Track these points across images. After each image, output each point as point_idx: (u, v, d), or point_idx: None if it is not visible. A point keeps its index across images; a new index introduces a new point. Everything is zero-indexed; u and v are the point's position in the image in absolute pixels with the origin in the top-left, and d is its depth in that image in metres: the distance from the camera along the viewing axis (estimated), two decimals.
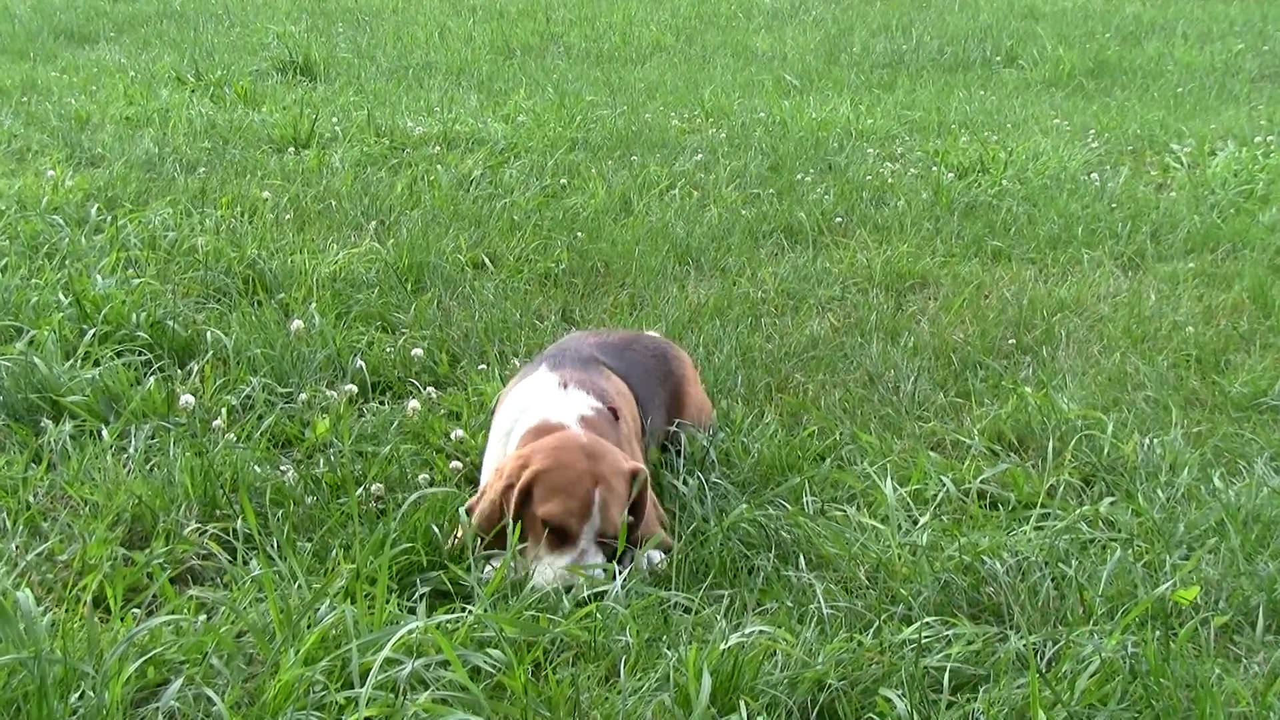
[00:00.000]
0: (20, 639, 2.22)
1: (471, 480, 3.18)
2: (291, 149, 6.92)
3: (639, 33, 12.38)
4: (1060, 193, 6.29)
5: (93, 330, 3.87)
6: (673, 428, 3.36)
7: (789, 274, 5.03)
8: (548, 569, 2.65)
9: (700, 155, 6.99)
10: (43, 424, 3.35)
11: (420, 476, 3.16)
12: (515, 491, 2.70)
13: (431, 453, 3.34)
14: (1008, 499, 3.17)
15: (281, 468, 3.16)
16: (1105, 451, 3.37)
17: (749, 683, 2.30)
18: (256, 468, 3.10)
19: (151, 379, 3.59)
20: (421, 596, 2.55)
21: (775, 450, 3.33)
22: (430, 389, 3.71)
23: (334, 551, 2.71)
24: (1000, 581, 2.67)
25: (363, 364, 3.81)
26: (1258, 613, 2.62)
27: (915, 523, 2.98)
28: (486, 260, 5.05)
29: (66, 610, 2.49)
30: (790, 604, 2.62)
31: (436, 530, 2.75)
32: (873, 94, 9.33)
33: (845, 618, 2.58)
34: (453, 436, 3.39)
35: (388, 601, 2.44)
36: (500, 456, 2.94)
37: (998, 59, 11.04)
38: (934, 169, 6.76)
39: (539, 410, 2.95)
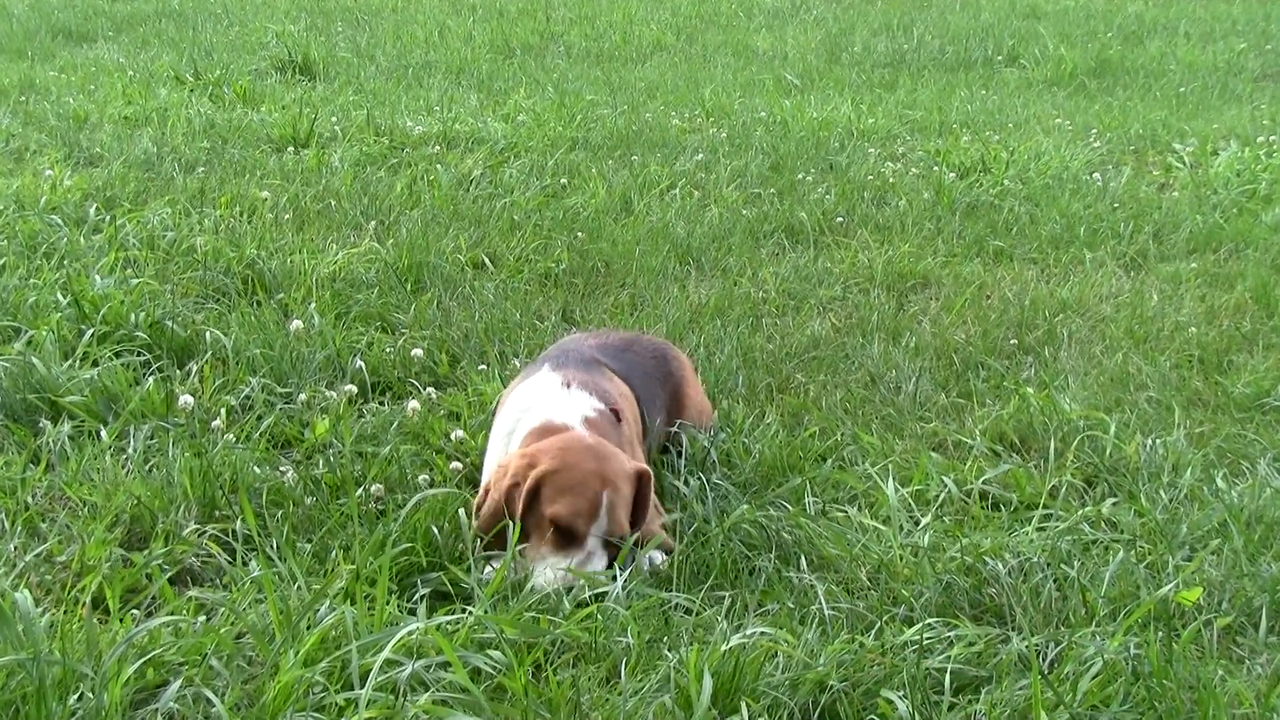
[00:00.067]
0: (19, 640, 2.21)
1: (472, 481, 3.17)
2: (291, 148, 6.91)
3: (639, 32, 12.38)
4: (1062, 192, 6.28)
5: (91, 330, 3.86)
6: (673, 429, 3.35)
7: (790, 274, 5.02)
8: (551, 569, 2.64)
9: (701, 155, 6.98)
10: (41, 424, 3.34)
11: (420, 477, 3.15)
12: (522, 490, 2.69)
13: (431, 453, 3.33)
14: (1010, 500, 3.16)
15: (281, 468, 3.16)
16: (1107, 452, 3.36)
17: (750, 684, 2.29)
18: (256, 468, 3.09)
19: (150, 379, 3.58)
20: (421, 597, 2.55)
21: (776, 451, 3.32)
22: (430, 389, 3.70)
23: (334, 552, 2.70)
24: (1002, 582, 2.66)
25: (362, 364, 3.80)
26: (1261, 614, 2.62)
27: (917, 524, 2.98)
28: (486, 260, 5.05)
29: (65, 611, 2.48)
30: (791, 605, 2.61)
31: (436, 531, 2.75)
32: (874, 93, 9.32)
33: (847, 619, 2.57)
34: (453, 437, 3.39)
35: (388, 603, 2.44)
36: (502, 456, 2.93)
37: (999, 58, 11.03)
38: (935, 169, 6.75)
39: (542, 411, 2.95)
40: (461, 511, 2.82)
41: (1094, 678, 2.31)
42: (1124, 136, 7.74)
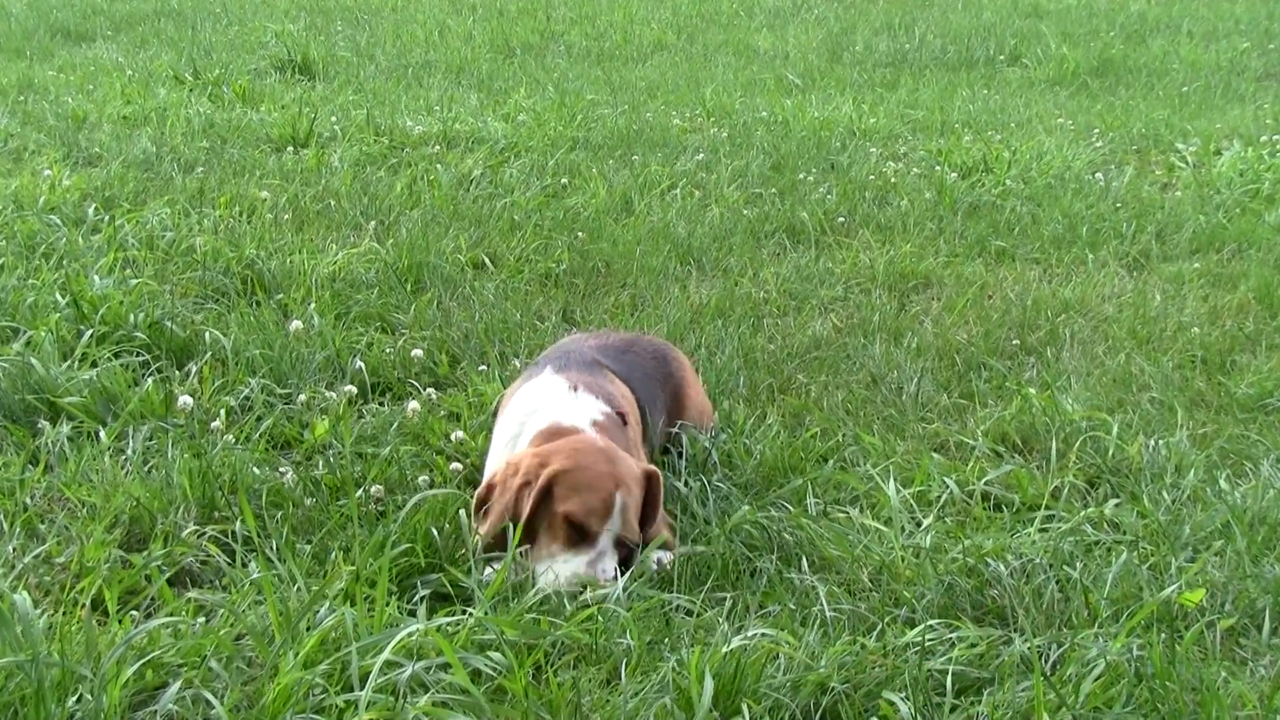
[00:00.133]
0: (17, 642, 2.21)
1: (472, 482, 3.16)
2: (290, 148, 6.90)
3: (640, 31, 12.37)
4: (1064, 192, 6.27)
5: (90, 331, 3.86)
6: (674, 429, 3.34)
7: (791, 274, 5.01)
8: (564, 567, 2.64)
9: (702, 155, 6.98)
10: (40, 425, 3.33)
11: (420, 478, 3.14)
12: (534, 489, 2.68)
13: (431, 454, 3.32)
14: (1012, 501, 3.16)
15: (280, 469, 3.15)
16: (1110, 453, 3.36)
17: (751, 686, 2.28)
18: (255, 469, 3.08)
19: (149, 380, 3.58)
20: (422, 599, 2.54)
21: (778, 452, 3.32)
22: (430, 390, 3.70)
23: (333, 553, 2.69)
24: (1004, 584, 2.66)
25: (362, 365, 3.80)
26: (1264, 615, 2.61)
27: (919, 525, 2.97)
28: (486, 260, 5.04)
29: (64, 613, 2.48)
30: (793, 606, 2.61)
31: (436, 533, 2.74)
32: (875, 93, 9.31)
33: (848, 620, 2.57)
34: (453, 438, 3.38)
35: (388, 604, 2.43)
36: (507, 458, 2.91)
37: (1001, 58, 11.01)
38: (937, 168, 6.75)
39: (549, 413, 2.94)
40: (462, 512, 2.81)
41: (1096, 679, 2.30)
42: (1126, 136, 7.73)
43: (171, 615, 2.43)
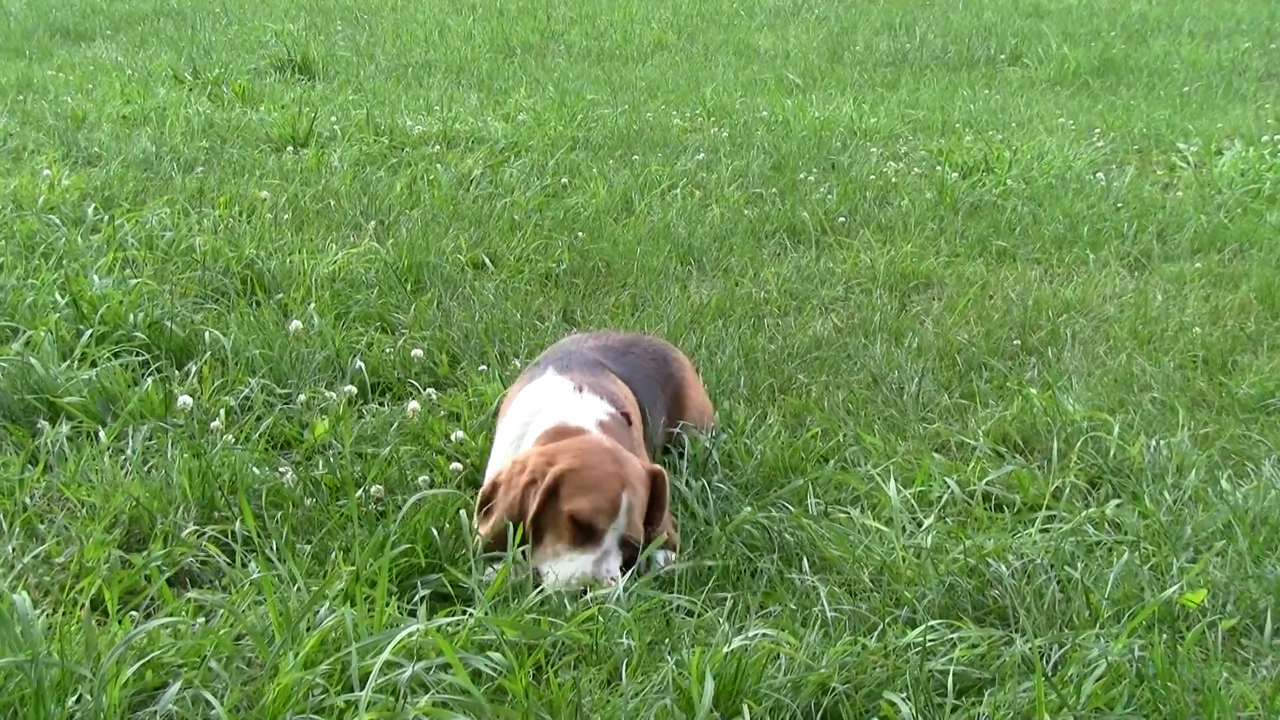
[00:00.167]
0: (17, 642, 2.20)
1: (473, 483, 3.16)
2: (290, 148, 6.90)
3: (640, 31, 12.37)
4: (1065, 192, 6.27)
5: (90, 331, 3.85)
6: (675, 430, 3.34)
7: (792, 274, 5.01)
8: (569, 566, 2.63)
9: (702, 154, 6.97)
10: (39, 425, 3.32)
11: (420, 478, 3.14)
12: (540, 487, 2.68)
13: (431, 454, 3.32)
14: (1013, 501, 3.15)
15: (280, 469, 3.14)
16: (1111, 453, 3.35)
17: (752, 686, 2.28)
18: (255, 469, 3.08)
19: (149, 380, 3.57)
20: (422, 599, 2.53)
21: (778, 452, 3.31)
22: (430, 390, 3.69)
23: (333, 554, 2.69)
24: (1005, 584, 2.65)
25: (362, 365, 3.79)
26: (1266, 616, 2.60)
27: (920, 525, 2.96)
28: (487, 260, 5.03)
29: (63, 613, 2.47)
30: (794, 607, 2.60)
31: (436, 533, 2.73)
32: (876, 92, 9.31)
33: (849, 621, 2.56)
34: (453, 438, 3.37)
35: (388, 604, 2.42)
36: (510, 458, 2.90)
37: (1002, 57, 11.01)
38: (938, 168, 6.74)
39: (554, 413, 2.93)
40: (463, 513, 2.80)
41: (1098, 680, 2.30)
42: (1127, 136, 7.73)
43: (171, 615, 2.42)
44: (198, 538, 2.79)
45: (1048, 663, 2.43)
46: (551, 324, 4.34)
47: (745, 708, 2.22)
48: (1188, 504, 3.09)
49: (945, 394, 3.86)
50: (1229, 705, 2.24)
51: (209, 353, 3.85)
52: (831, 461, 3.33)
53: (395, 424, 3.44)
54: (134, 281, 4.34)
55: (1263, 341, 4.34)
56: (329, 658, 2.26)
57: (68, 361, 3.69)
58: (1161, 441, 3.41)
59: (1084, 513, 3.00)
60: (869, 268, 5.10)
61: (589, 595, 2.57)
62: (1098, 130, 7.83)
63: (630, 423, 3.01)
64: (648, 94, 9.08)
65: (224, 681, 2.23)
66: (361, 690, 2.15)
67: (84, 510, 2.92)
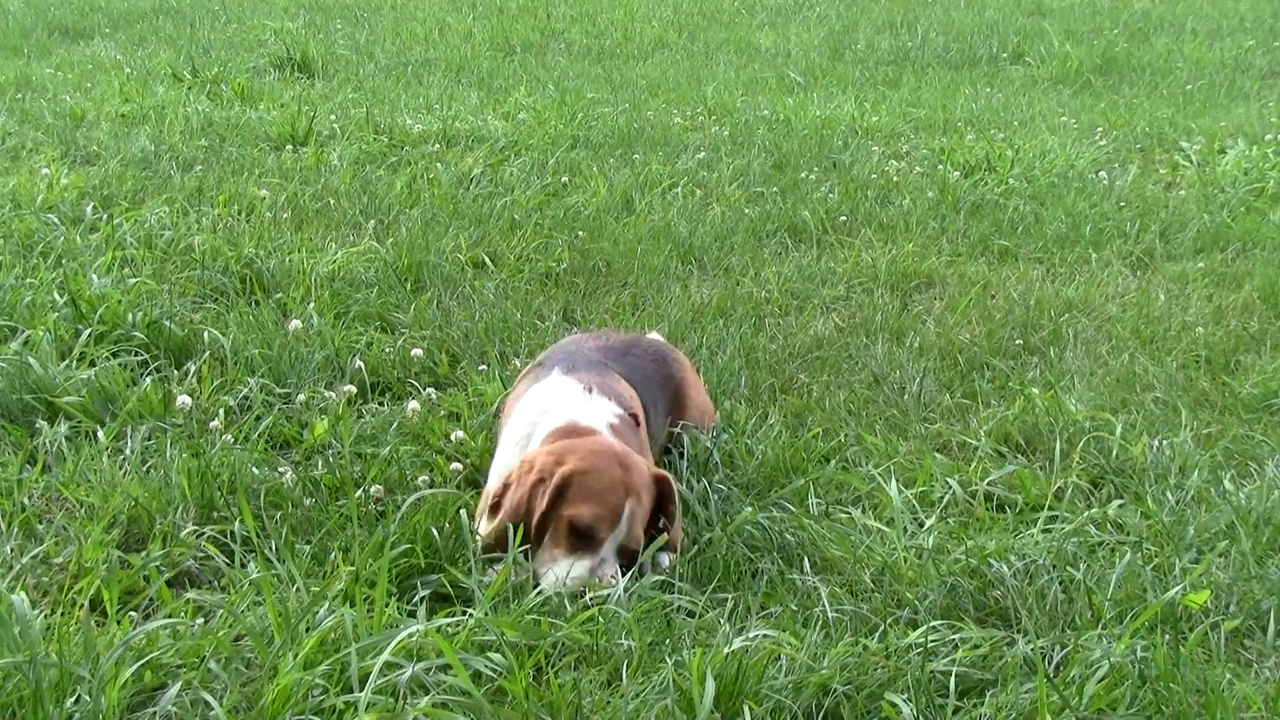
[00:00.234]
0: (15, 643, 2.20)
1: (472, 483, 3.15)
2: (289, 147, 6.89)
3: (641, 29, 12.35)
4: (1068, 191, 6.26)
5: (88, 330, 3.84)
6: (676, 430, 3.33)
7: (793, 273, 5.00)
8: (564, 570, 2.62)
9: (703, 153, 6.96)
10: (38, 425, 3.32)
11: (420, 478, 3.13)
12: (548, 487, 2.66)
13: (431, 454, 3.31)
14: (1015, 501, 3.14)
15: (280, 469, 3.13)
16: (1114, 453, 3.34)
17: (753, 687, 2.27)
18: (254, 469, 3.07)
19: (148, 379, 3.56)
20: (421, 599, 2.53)
21: (779, 452, 3.30)
22: (430, 390, 3.68)
23: (333, 554, 2.68)
24: (1007, 585, 2.64)
25: (361, 364, 3.78)
26: (1269, 617, 2.60)
27: (921, 525, 2.96)
28: (487, 259, 5.02)
29: (62, 614, 2.47)
30: (795, 607, 2.60)
31: (436, 533, 2.72)
32: (877, 91, 9.29)
33: (850, 621, 2.55)
34: (453, 438, 3.36)
35: (387, 605, 2.42)
36: (516, 460, 2.88)
37: (1004, 56, 11.00)
38: (940, 167, 6.73)
39: (563, 413, 2.91)
40: (463, 513, 2.79)
41: (1100, 681, 2.29)
42: (1130, 135, 7.72)
43: (170, 616, 2.42)
44: (197, 538, 2.78)
45: (1050, 664, 2.42)
46: (552, 323, 4.33)
47: (746, 709, 2.21)
48: (1190, 504, 3.09)
49: (947, 394, 3.85)
50: (1232, 707, 2.23)
51: (208, 352, 3.84)
52: (833, 462, 3.32)
53: (395, 424, 3.43)
54: (133, 281, 4.33)
55: (1266, 341, 4.33)
56: (328, 658, 2.25)
57: (66, 361, 3.69)
58: (1164, 441, 3.40)
59: (1086, 513, 2.99)
60: (870, 267, 5.09)
61: (589, 596, 2.56)
62: (1100, 129, 7.82)
63: (638, 424, 3.00)
64: (648, 92, 9.06)
65: (223, 682, 2.23)
66: (361, 691, 2.14)
67: (82, 510, 2.92)
